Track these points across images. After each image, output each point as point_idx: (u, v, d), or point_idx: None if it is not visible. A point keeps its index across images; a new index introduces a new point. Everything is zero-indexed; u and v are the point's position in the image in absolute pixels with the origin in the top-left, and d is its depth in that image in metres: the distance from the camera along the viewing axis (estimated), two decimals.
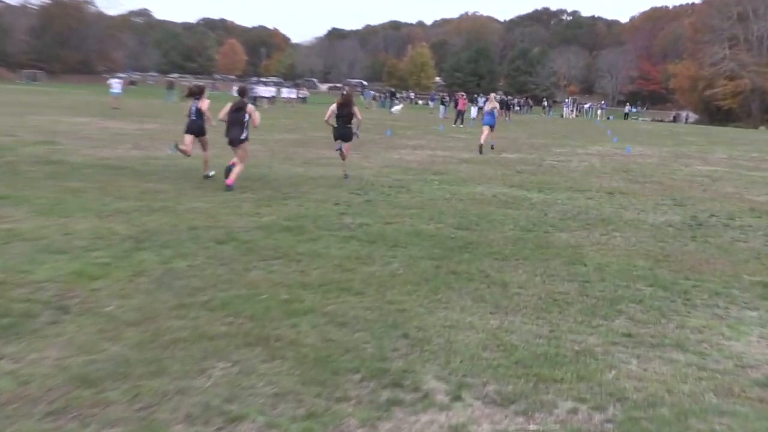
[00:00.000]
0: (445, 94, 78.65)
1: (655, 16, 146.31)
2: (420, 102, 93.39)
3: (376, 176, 16.30)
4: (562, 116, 78.33)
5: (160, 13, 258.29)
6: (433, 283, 7.41)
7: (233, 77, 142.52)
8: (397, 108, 57.45)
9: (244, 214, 10.78)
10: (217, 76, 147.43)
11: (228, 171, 13.42)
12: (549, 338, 5.98)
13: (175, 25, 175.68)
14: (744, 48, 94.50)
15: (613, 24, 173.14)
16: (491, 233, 10.27)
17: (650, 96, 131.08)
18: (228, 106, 13.55)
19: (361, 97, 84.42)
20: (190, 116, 14.10)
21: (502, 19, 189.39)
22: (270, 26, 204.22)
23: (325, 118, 15.41)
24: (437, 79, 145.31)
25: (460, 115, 44.34)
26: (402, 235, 9.70)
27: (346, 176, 15.49)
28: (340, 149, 15.60)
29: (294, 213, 11.05)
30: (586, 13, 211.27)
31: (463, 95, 49.03)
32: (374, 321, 6.15)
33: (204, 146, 14.29)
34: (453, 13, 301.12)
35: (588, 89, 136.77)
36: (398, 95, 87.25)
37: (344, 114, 15.31)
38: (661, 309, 6.99)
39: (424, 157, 21.71)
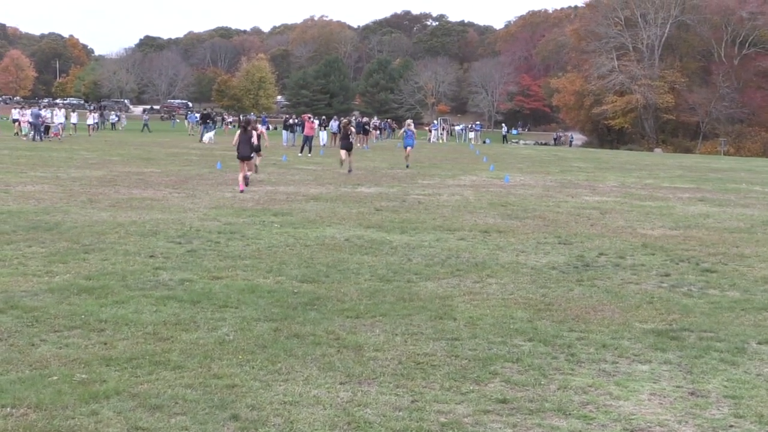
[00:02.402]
0: (290, 116, 79.19)
1: (533, 21, 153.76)
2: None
3: (203, 220, 16.20)
4: (429, 141, 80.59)
5: None
6: (271, 351, 7.43)
7: (19, 99, 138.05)
8: (209, 135, 56.39)
9: (30, 273, 10.44)
10: None
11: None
12: (410, 410, 6.12)
13: None
14: (634, 58, 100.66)
15: (486, 31, 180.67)
16: (343, 285, 10.41)
17: (532, 115, 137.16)
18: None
19: (186, 121, 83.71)
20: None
21: (355, 25, 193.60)
22: (65, 34, 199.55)
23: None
24: (279, 98, 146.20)
25: (307, 141, 44.83)
26: (233, 293, 9.68)
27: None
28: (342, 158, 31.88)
29: (96, 270, 10.80)
30: (454, 18, 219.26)
31: (310, 117, 49.69)
32: (197, 401, 6.10)
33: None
34: (296, 18, 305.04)
35: (460, 108, 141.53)
36: (224, 118, 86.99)
37: (346, 133, 32.34)
38: (542, 368, 7.31)
39: (262, 194, 21.76)
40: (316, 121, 55.80)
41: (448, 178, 30.54)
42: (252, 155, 23.93)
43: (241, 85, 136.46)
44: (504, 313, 9.28)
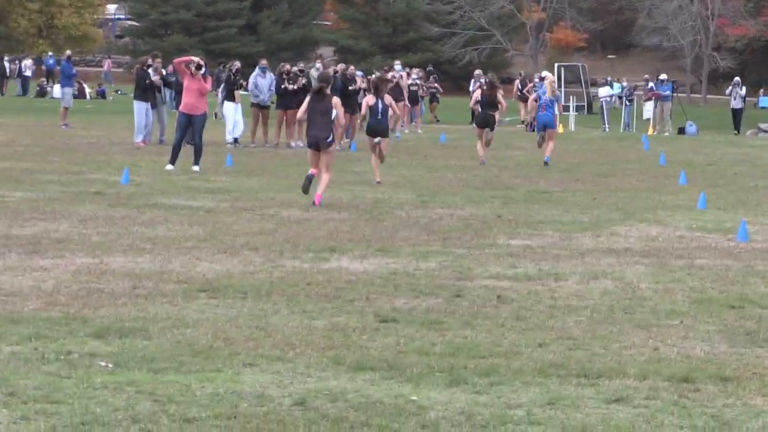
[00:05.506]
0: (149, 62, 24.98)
1: None
2: None
3: None
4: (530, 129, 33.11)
5: None
6: None
7: None
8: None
9: None
10: None
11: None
12: None
13: None
14: None
15: None
16: None
17: None
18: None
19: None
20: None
21: None
22: None
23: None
24: (112, 7, 76.16)
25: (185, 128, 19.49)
26: None
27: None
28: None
29: None
30: None
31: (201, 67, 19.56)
32: None
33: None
34: None
35: (611, 41, 75.96)
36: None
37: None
38: None
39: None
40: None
41: (581, 230, 13.65)
42: (331, 139, 15.07)
43: None
44: None
